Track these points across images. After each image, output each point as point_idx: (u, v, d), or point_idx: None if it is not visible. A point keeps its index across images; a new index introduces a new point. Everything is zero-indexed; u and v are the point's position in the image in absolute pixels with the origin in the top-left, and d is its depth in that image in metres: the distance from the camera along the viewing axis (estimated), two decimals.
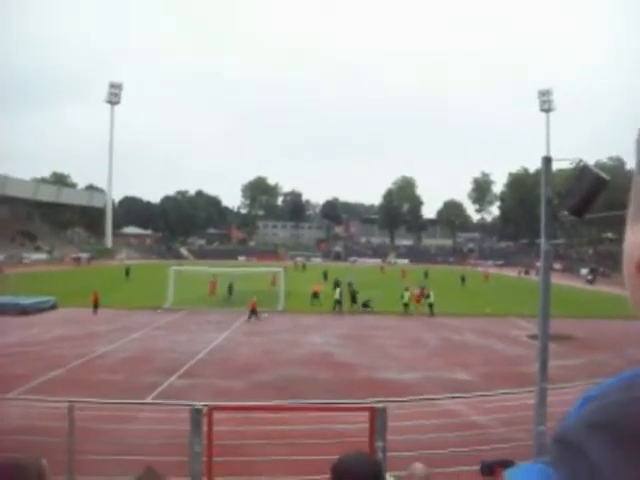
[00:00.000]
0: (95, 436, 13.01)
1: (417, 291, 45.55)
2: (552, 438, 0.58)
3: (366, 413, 8.99)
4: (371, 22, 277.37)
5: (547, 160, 9.42)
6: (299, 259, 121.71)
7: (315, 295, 43.61)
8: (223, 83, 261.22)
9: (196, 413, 8.22)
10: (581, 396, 0.61)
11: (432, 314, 38.69)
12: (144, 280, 62.29)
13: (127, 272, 67.92)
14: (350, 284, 47.67)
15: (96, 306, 37.89)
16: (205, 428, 8.31)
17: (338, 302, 40.45)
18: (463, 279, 64.89)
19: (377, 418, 8.59)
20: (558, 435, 0.54)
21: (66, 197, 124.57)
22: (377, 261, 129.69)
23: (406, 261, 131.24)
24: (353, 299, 42.95)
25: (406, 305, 39.47)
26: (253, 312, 36.51)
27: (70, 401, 11.19)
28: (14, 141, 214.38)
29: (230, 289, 47.38)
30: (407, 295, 40.25)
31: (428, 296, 40.29)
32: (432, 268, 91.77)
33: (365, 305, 40.71)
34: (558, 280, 66.95)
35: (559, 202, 9.38)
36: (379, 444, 8.52)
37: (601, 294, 59.39)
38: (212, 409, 8.45)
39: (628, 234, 0.67)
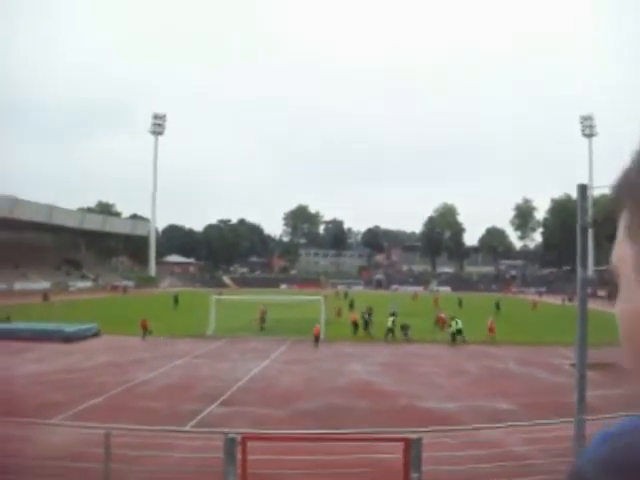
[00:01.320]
0: (132, 463, 13.12)
1: (442, 315, 46.60)
2: (568, 475, 0.47)
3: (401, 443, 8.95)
4: (402, 42, 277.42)
5: (582, 188, 9.34)
6: (341, 287, 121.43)
7: (355, 324, 43.31)
8: (266, 112, 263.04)
9: (230, 442, 8.26)
10: (598, 434, 0.52)
11: (464, 341, 38.46)
12: (191, 308, 62.22)
13: (176, 300, 67.09)
14: (394, 314, 47.44)
15: (145, 332, 38.77)
16: (239, 457, 8.36)
17: (390, 330, 39.93)
18: (498, 306, 62.42)
19: (412, 449, 8.54)
20: (573, 473, 0.49)
21: (111, 226, 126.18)
22: (419, 289, 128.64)
23: (448, 289, 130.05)
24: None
25: (453, 334, 38.69)
26: (317, 339, 37.24)
27: (107, 428, 11.35)
28: (61, 171, 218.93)
29: (263, 318, 46.93)
30: (455, 324, 39.33)
31: (457, 323, 39.43)
32: (472, 296, 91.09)
33: (404, 330, 40.09)
34: (603, 307, 65.77)
35: (597, 230, 9.26)
36: (414, 475, 8.47)
37: None
38: (246, 438, 8.48)
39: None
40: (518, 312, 65.50)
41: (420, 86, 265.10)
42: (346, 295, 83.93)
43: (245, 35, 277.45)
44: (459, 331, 38.85)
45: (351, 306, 61.51)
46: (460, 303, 69.02)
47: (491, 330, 42.18)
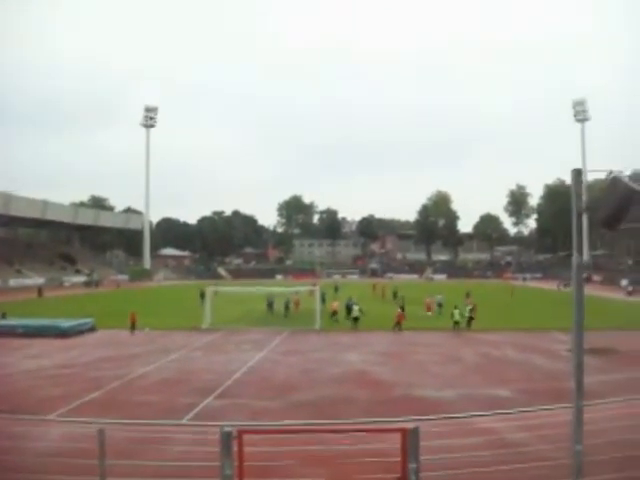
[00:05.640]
0: (129, 457, 13.09)
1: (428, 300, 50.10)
2: None
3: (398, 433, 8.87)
4: (402, 36, 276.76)
5: (577, 172, 9.27)
6: (336, 277, 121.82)
7: (334, 313, 44.02)
8: (257, 102, 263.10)
9: (226, 435, 8.18)
10: None
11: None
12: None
13: (202, 295, 54.41)
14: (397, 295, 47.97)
15: (133, 327, 38.80)
16: (236, 450, 8.29)
17: (456, 323, 39.00)
18: (467, 295, 57.93)
19: (409, 439, 8.47)
20: None
21: (104, 220, 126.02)
22: (414, 277, 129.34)
23: (443, 276, 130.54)
24: (349, 312, 43.84)
25: (457, 323, 38.69)
26: (398, 324, 38.59)
27: (103, 423, 11.28)
28: (53, 166, 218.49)
29: (271, 305, 50.20)
30: (457, 313, 39.35)
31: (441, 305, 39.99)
32: (461, 283, 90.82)
33: (470, 321, 39.81)
34: (598, 292, 66.01)
35: (590, 215, 9.20)
36: (412, 465, 8.40)
37: None
38: (242, 432, 8.41)
39: None
40: (502, 298, 65.86)
41: (413, 75, 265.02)
42: (336, 289, 76.14)
43: (239, 27, 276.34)
44: (456, 321, 39.13)
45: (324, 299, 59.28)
46: (395, 295, 64.19)
47: (428, 309, 47.38)
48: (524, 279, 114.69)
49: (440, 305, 48.96)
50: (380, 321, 41.89)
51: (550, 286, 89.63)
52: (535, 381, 23.35)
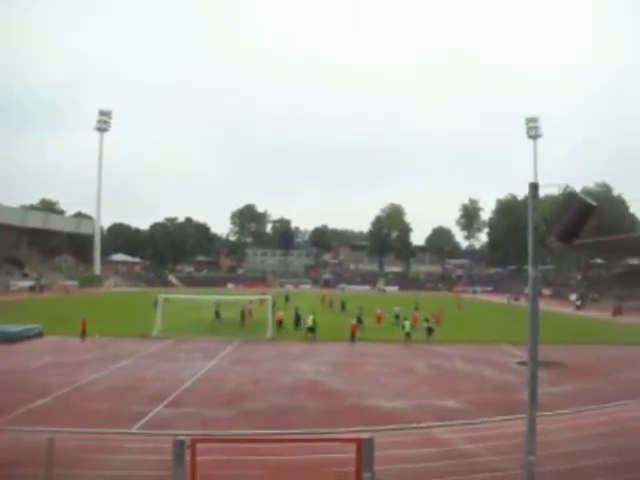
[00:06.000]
0: (78, 467, 12.79)
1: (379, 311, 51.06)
2: None
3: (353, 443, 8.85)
4: (359, 52, 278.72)
5: (534, 186, 9.39)
6: (288, 286, 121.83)
7: (280, 323, 43.98)
8: (212, 110, 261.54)
9: (179, 445, 8.04)
10: None
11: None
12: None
13: (155, 303, 47.49)
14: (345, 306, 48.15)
15: (84, 333, 38.06)
16: (189, 459, 8.15)
17: (408, 334, 39.21)
18: (416, 308, 57.41)
19: (364, 449, 8.45)
20: None
21: (54, 224, 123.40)
22: (366, 288, 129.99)
23: (395, 288, 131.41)
24: (297, 322, 45.32)
25: (408, 334, 38.98)
26: (353, 336, 38.81)
27: (51, 431, 11.01)
28: (3, 168, 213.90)
29: (217, 314, 50.04)
30: (408, 324, 40.04)
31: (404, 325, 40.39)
32: (413, 295, 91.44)
33: (430, 331, 40.22)
34: (547, 306, 67.07)
35: (546, 229, 9.29)
36: (367, 475, 8.38)
37: (590, 319, 59.60)
38: (195, 441, 8.27)
39: None
40: (451, 310, 66.45)
41: (371, 90, 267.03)
42: (287, 298, 76.76)
43: (192, 28, 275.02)
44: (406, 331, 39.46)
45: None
46: (343, 307, 65.00)
47: (379, 319, 49.29)
48: (474, 292, 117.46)
49: (397, 316, 49.36)
50: (331, 331, 41.74)
51: (500, 299, 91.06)
52: (486, 393, 23.59)
